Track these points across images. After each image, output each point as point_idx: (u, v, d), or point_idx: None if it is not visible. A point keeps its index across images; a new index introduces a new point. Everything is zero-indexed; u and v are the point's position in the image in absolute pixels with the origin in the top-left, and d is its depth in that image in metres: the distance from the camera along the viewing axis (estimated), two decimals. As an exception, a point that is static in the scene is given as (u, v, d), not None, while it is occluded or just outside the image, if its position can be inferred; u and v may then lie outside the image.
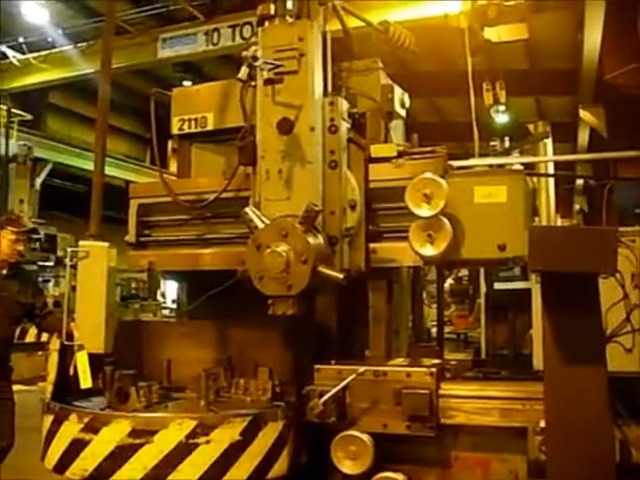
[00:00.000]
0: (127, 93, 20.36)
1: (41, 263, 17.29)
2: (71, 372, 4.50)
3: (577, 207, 18.03)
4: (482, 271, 10.70)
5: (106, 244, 4.74)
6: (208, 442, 3.93)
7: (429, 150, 4.67)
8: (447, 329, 13.02)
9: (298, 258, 4.17)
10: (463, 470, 4.09)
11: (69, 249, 4.73)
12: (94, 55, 14.17)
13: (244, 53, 4.40)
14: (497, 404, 3.92)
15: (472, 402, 3.97)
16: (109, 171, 19.99)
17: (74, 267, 4.62)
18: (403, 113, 5.27)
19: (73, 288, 4.63)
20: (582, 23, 11.03)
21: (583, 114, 13.83)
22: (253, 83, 4.60)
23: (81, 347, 4.54)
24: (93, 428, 4.07)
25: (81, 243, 4.72)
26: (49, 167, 19.89)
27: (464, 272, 13.41)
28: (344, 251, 4.54)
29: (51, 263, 17.76)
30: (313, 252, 4.19)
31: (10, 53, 17.05)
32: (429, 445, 4.08)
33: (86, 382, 4.47)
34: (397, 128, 5.28)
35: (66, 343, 4.58)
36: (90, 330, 4.60)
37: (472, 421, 3.96)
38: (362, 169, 4.66)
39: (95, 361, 4.60)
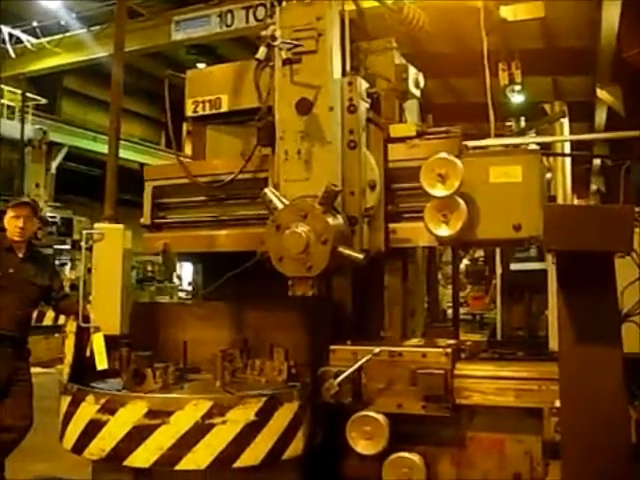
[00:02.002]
0: (142, 76, 20.36)
1: (57, 246, 17.39)
2: (87, 354, 4.52)
3: (594, 187, 17.90)
4: (498, 252, 10.65)
5: (121, 226, 4.75)
6: (224, 422, 3.95)
7: (444, 130, 4.64)
8: (463, 310, 12.99)
9: (318, 239, 4.18)
10: (478, 450, 4.10)
11: (84, 231, 4.74)
12: (108, 39, 14.13)
13: (262, 33, 4.40)
14: (512, 384, 3.93)
15: (487, 382, 3.98)
16: (124, 154, 20.14)
17: (90, 249, 4.64)
18: (417, 93, 5.23)
19: (89, 270, 4.65)
20: (600, 0, 10.87)
21: (600, 93, 13.68)
22: (271, 63, 4.60)
23: (97, 329, 4.56)
24: (110, 409, 4.11)
25: (96, 225, 4.74)
26: (64, 151, 19.99)
27: (480, 253, 13.36)
28: (364, 231, 4.53)
29: (67, 246, 17.88)
30: (333, 233, 4.19)
31: (24, 37, 17.08)
32: (444, 425, 4.10)
33: (102, 363, 4.51)
34: (411, 108, 5.25)
35: (82, 325, 4.60)
36: (106, 312, 4.63)
37: (487, 401, 3.96)
38: (381, 149, 4.64)
39: (111, 342, 4.64)
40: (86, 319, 4.62)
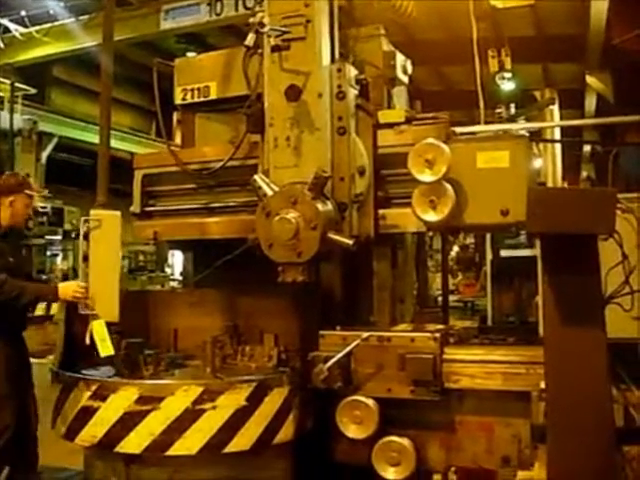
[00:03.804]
0: (131, 66, 20.24)
1: (48, 237, 17.33)
2: (87, 341, 4.50)
3: (584, 174, 17.94)
4: (488, 239, 10.72)
5: (118, 213, 4.72)
6: (214, 408, 3.99)
7: (432, 116, 4.66)
8: (454, 298, 13.09)
9: (307, 225, 4.20)
10: (467, 434, 4.14)
11: (82, 218, 4.71)
12: (97, 28, 14.02)
13: (251, 20, 4.41)
14: (500, 368, 3.96)
15: (476, 366, 4.01)
16: (114, 144, 19.95)
17: (86, 237, 4.60)
18: (405, 80, 5.24)
19: (85, 258, 4.61)
20: (589, -14, 10.88)
21: (590, 80, 13.70)
22: (259, 50, 4.61)
23: (95, 316, 4.54)
24: (101, 395, 4.15)
25: (93, 212, 4.70)
26: (55, 141, 19.85)
27: (470, 240, 13.43)
28: (353, 217, 4.55)
29: (59, 237, 17.81)
30: (322, 218, 4.21)
31: (12, 27, 16.96)
32: (433, 409, 4.13)
33: (106, 350, 4.47)
34: (400, 95, 5.26)
35: (82, 312, 4.59)
36: (104, 299, 4.59)
37: (476, 385, 4.00)
38: (370, 135, 4.65)
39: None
40: (85, 307, 4.59)
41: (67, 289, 4.63)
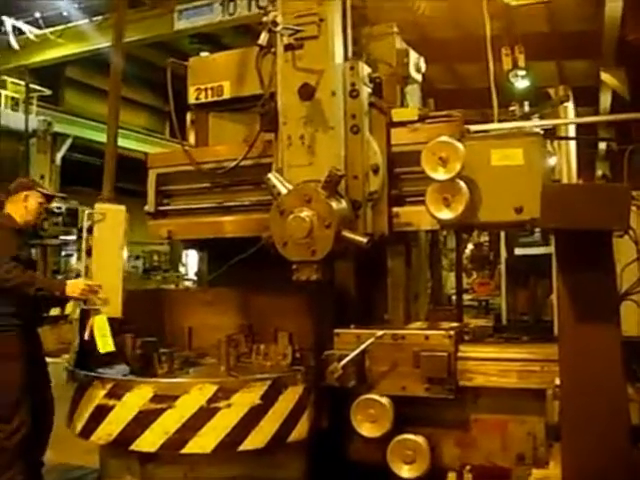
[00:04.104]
0: (146, 67, 20.34)
1: (63, 237, 17.42)
2: (87, 337, 4.50)
3: (600, 172, 17.81)
4: (502, 237, 10.66)
5: (123, 207, 4.71)
6: (229, 406, 4.00)
7: (445, 114, 4.65)
8: (469, 297, 13.02)
9: (321, 223, 4.21)
10: (482, 432, 4.13)
11: (86, 211, 4.70)
12: (110, 29, 14.01)
13: (264, 19, 4.42)
14: (515, 366, 3.95)
15: (490, 364, 4.01)
16: (128, 144, 20.16)
17: (90, 230, 4.60)
18: (419, 78, 5.23)
19: (88, 252, 4.61)
20: (603, -18, 10.81)
21: (605, 77, 13.61)
22: (273, 49, 4.62)
23: (97, 311, 4.53)
24: (116, 394, 4.17)
25: (97, 206, 4.68)
26: (69, 142, 19.98)
27: (484, 238, 13.35)
28: (367, 215, 4.55)
29: (73, 237, 17.89)
30: (336, 217, 4.22)
31: (26, 28, 17.07)
32: (448, 407, 4.12)
33: (106, 346, 4.46)
34: (413, 93, 5.25)
35: (83, 307, 4.60)
36: (107, 294, 4.57)
37: (490, 383, 3.99)
38: (384, 133, 4.66)
39: (117, 328, 4.65)
40: (87, 302, 4.59)
41: (75, 287, 4.64)
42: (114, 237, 4.65)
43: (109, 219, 4.64)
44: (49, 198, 5.40)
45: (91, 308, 4.55)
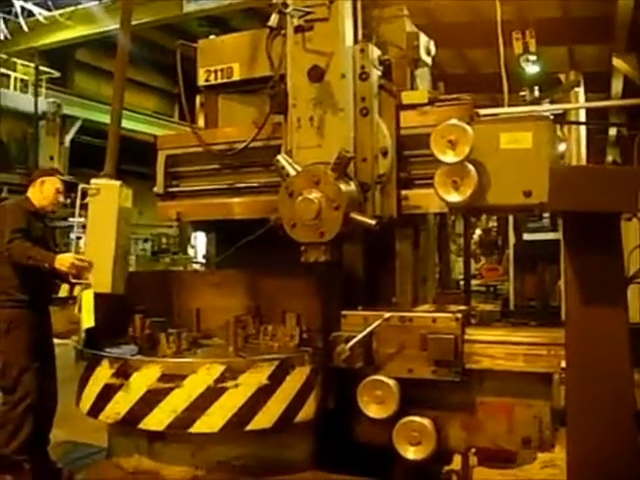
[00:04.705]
0: (155, 49, 20.34)
1: (72, 219, 17.48)
2: (76, 311, 4.52)
3: (610, 158, 17.73)
4: (511, 222, 10.66)
5: (118, 182, 4.69)
6: (236, 386, 4.03)
7: (455, 97, 4.63)
8: (477, 282, 13.03)
9: (330, 205, 4.21)
10: (488, 415, 4.15)
11: (81, 186, 4.71)
12: (119, 11, 14.08)
13: (274, 0, 4.39)
14: (522, 349, 3.96)
15: (497, 347, 4.01)
16: (138, 127, 20.14)
17: (84, 206, 4.60)
18: (429, 61, 5.21)
19: (83, 227, 4.63)
20: (616, -35, 10.71)
21: (617, 62, 13.49)
22: (283, 31, 4.60)
23: (88, 286, 4.54)
24: (125, 373, 4.20)
25: (93, 181, 4.69)
26: (78, 124, 20.02)
27: (493, 223, 13.35)
28: (376, 198, 4.55)
29: (82, 219, 17.96)
30: (345, 199, 4.22)
31: (36, 10, 17.06)
32: (454, 390, 4.14)
33: (89, 321, 4.47)
34: (423, 76, 5.23)
35: (73, 281, 4.61)
36: (98, 269, 4.56)
37: (497, 366, 4.00)
38: (393, 116, 4.64)
39: (126, 310, 4.67)
40: (78, 276, 4.60)
41: (64, 260, 4.66)
42: (108, 212, 4.63)
43: (104, 194, 4.63)
44: (68, 186, 5.46)
45: (82, 283, 4.55)
